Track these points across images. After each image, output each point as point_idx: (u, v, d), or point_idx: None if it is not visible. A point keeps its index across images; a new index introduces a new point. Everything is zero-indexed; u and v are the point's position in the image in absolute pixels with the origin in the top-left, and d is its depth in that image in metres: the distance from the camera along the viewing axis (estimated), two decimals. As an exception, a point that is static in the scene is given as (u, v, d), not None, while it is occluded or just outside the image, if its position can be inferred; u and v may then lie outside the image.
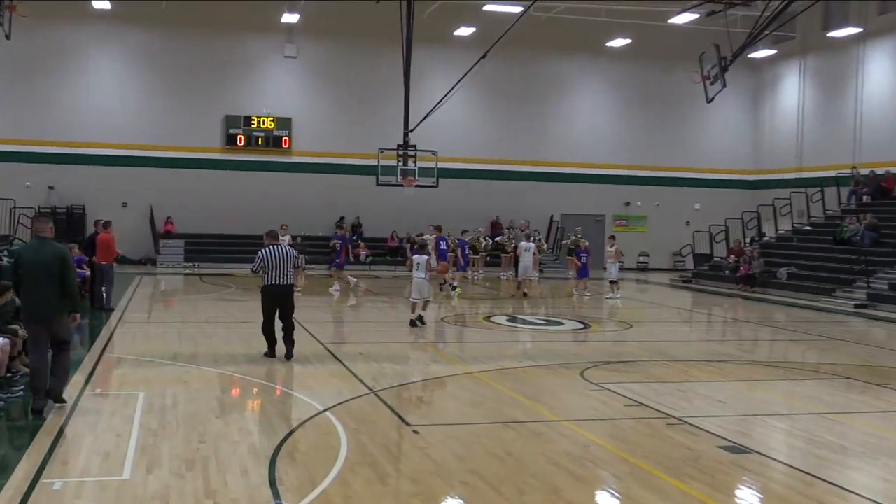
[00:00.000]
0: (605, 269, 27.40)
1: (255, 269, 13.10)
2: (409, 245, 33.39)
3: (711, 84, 24.70)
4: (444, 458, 7.96)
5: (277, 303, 13.06)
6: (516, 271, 28.83)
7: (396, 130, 29.63)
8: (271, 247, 13.08)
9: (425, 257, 17.20)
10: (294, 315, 13.31)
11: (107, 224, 19.31)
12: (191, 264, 33.01)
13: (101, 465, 7.49)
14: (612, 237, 27.18)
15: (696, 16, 31.98)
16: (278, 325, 13.14)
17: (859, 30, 33.98)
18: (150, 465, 7.52)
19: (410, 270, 17.54)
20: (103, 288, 18.78)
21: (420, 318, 17.20)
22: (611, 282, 25.61)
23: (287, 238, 22.76)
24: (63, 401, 9.49)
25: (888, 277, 24.70)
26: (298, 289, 23.00)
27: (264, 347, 13.36)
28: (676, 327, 20.02)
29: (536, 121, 38.30)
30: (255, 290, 20.63)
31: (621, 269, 27.25)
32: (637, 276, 35.15)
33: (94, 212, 31.42)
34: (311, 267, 32.85)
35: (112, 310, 18.69)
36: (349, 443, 8.38)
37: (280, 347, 13.16)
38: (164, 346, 14.17)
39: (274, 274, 12.95)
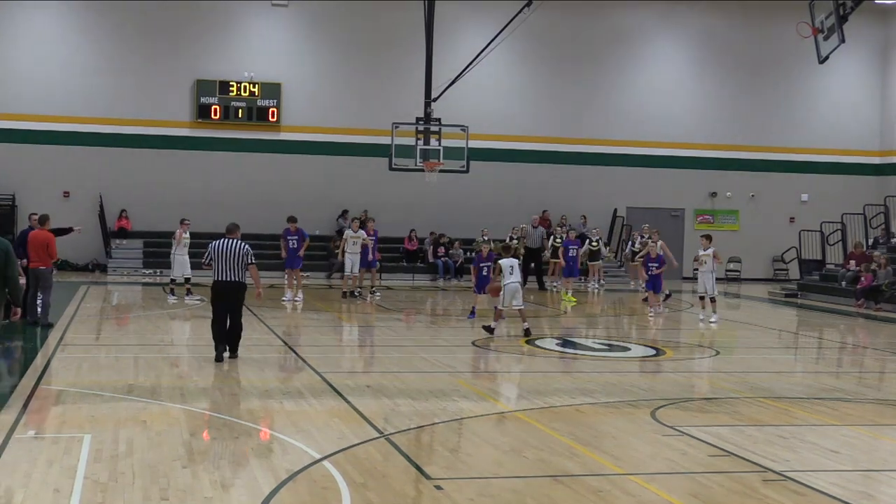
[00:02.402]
0: (694, 277, 27.02)
1: (204, 261, 15.84)
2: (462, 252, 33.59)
3: (825, 39, 24.52)
4: (476, 522, 7.95)
5: (222, 300, 15.51)
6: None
7: (416, 100, 29.68)
8: (221, 240, 15.60)
9: (516, 261, 19.75)
10: (243, 323, 15.83)
11: (44, 219, 19.56)
12: (151, 271, 33.22)
13: (35, 528, 7.54)
14: (708, 237, 24.52)
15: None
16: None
17: None
18: (98, 527, 7.56)
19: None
20: (38, 298, 18.96)
21: (528, 331, 19.50)
22: (711, 299, 23.76)
23: (187, 236, 25.76)
24: None
25: None
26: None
27: (244, 376, 14.02)
28: (777, 355, 19.90)
29: (595, 89, 38.24)
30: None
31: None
32: (725, 288, 34.97)
33: (27, 203, 31.68)
34: (306, 275, 33.03)
35: (50, 325, 18.87)
36: (353, 500, 8.39)
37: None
38: (117, 375, 14.23)
39: (219, 269, 15.40)
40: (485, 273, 22.04)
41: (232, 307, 15.57)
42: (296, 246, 25.64)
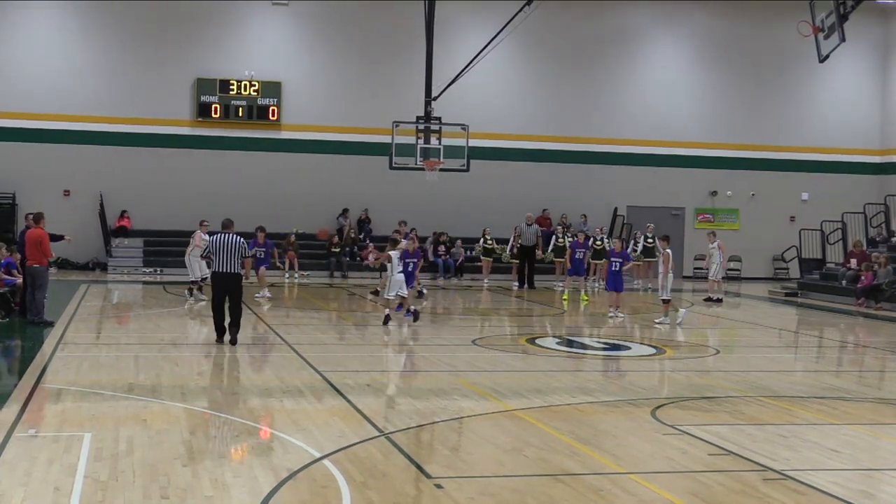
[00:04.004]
0: (695, 276, 26.89)
1: (202, 253, 17.85)
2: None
3: (826, 38, 24.48)
4: (476, 521, 7.95)
5: (222, 289, 16.97)
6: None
7: (416, 99, 29.69)
8: (219, 234, 17.01)
9: (398, 252, 21.10)
10: (241, 314, 17.14)
11: (38, 217, 19.59)
12: (151, 270, 33.22)
13: (36, 526, 7.54)
14: (665, 238, 23.73)
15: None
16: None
17: None
18: (98, 525, 7.56)
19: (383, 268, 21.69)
20: (35, 296, 19.05)
21: (416, 313, 20.89)
22: (663, 301, 22.89)
23: (206, 237, 23.72)
24: None
25: None
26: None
27: (245, 375, 14.39)
28: (777, 354, 19.90)
29: (595, 88, 38.22)
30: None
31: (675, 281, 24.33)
32: (726, 288, 34.96)
33: (27, 202, 31.68)
34: (307, 274, 33.09)
35: (45, 323, 18.95)
36: (353, 499, 8.40)
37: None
38: (118, 374, 14.25)
39: (218, 261, 16.83)
40: (409, 269, 22.18)
41: (231, 295, 16.99)
42: (262, 257, 25.49)
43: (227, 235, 16.97)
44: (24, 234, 20.30)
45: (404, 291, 20.83)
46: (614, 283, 23.60)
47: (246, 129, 35.54)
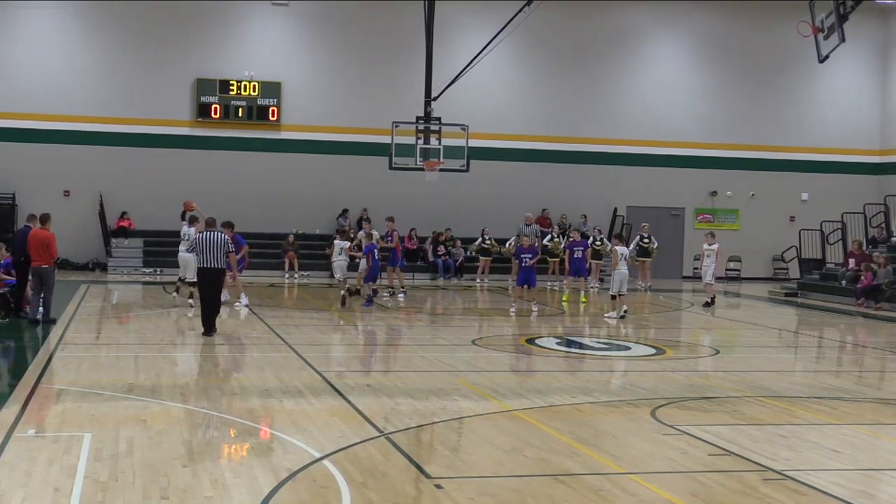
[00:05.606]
0: (694, 275, 26.85)
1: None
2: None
3: (826, 38, 24.46)
4: (476, 521, 7.95)
5: (207, 284, 18.06)
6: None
7: (416, 99, 29.68)
8: (205, 232, 18.18)
9: (347, 243, 24.65)
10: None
11: (44, 218, 19.66)
12: (151, 270, 33.23)
13: (36, 526, 7.55)
14: (619, 237, 25.16)
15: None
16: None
17: None
18: (98, 526, 7.56)
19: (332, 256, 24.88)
20: (41, 296, 19.12)
21: (344, 298, 23.82)
22: (612, 296, 23.52)
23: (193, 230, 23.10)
24: None
25: None
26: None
27: (245, 375, 14.49)
28: (777, 354, 19.90)
29: (595, 88, 38.24)
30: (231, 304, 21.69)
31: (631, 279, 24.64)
32: (725, 288, 34.98)
33: (27, 202, 31.65)
34: (307, 274, 33.10)
35: (53, 321, 19.04)
36: (353, 499, 8.41)
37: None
38: (118, 374, 14.25)
39: (203, 258, 17.90)
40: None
41: (214, 289, 18.27)
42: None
43: (211, 233, 18.15)
44: (24, 234, 20.27)
45: (342, 276, 24.32)
46: (526, 277, 23.88)
47: (246, 129, 35.55)
